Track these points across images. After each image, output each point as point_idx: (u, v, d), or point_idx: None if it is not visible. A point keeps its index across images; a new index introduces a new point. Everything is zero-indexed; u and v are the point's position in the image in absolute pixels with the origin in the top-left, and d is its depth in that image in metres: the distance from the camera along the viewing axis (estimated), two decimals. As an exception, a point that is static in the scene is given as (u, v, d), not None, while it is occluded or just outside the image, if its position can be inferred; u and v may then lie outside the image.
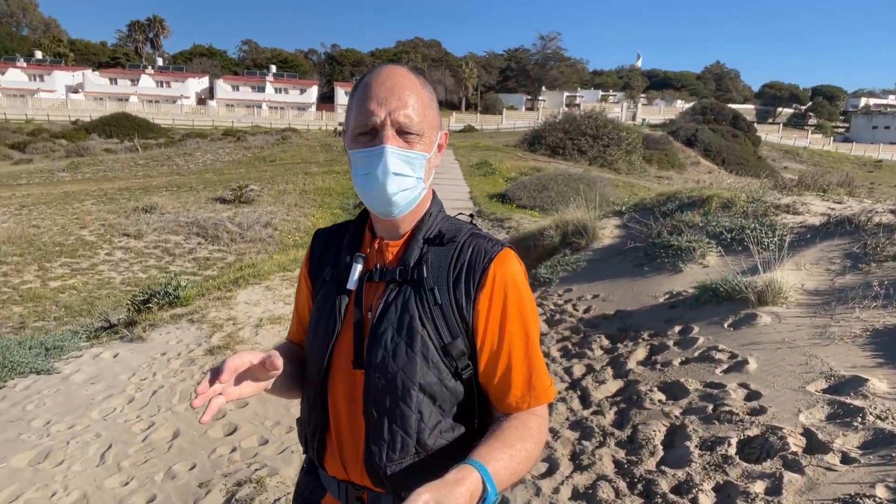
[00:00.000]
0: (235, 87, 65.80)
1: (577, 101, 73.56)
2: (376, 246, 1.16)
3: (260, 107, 61.50)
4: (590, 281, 6.48)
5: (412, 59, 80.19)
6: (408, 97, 1.06)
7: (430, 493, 0.82)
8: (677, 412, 3.31)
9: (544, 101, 77.55)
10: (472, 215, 1.29)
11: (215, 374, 0.97)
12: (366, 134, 1.06)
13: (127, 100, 59.31)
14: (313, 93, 67.83)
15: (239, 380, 1.02)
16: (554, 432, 3.44)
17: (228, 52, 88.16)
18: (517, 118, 60.21)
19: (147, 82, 64.10)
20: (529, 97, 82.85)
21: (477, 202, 13.47)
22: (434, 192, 1.22)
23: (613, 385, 3.95)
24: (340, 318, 1.14)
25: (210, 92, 65.73)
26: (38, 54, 67.28)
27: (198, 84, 65.81)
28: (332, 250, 1.24)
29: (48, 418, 3.50)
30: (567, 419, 3.62)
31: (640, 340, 4.55)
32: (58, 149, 32.84)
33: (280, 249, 11.77)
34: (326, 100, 70.22)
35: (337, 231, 1.29)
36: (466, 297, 1.09)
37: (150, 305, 5.57)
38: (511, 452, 1.01)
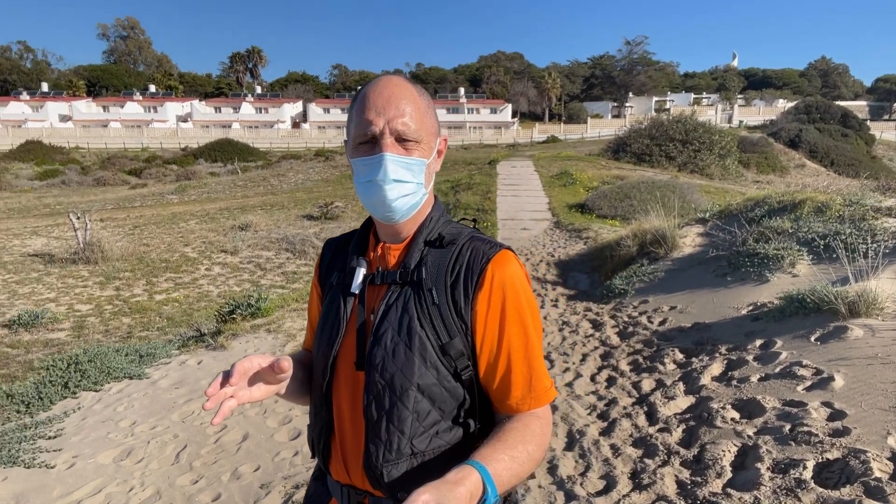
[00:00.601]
0: (326, 110, 68.95)
1: (668, 105, 70.84)
2: (379, 250, 1.18)
3: (348, 127, 63.99)
4: (667, 292, 6.20)
5: (494, 72, 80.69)
6: (405, 106, 1.08)
7: (430, 494, 0.82)
8: (750, 431, 3.09)
9: (631, 107, 75.39)
10: (474, 220, 1.30)
11: (226, 377, 1.00)
12: (366, 143, 1.09)
13: (230, 126, 63.65)
14: (399, 111, 69.58)
15: (251, 383, 1.05)
16: (615, 449, 3.31)
17: (320, 78, 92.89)
18: (602, 126, 58.85)
19: (247, 109, 68.60)
20: (616, 104, 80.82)
21: (555, 213, 13.24)
22: (436, 196, 1.23)
23: (684, 401, 3.74)
24: (345, 321, 1.16)
25: (304, 115, 69.36)
26: (152, 88, 74.13)
27: (292, 109, 69.66)
28: (340, 257, 1.28)
29: (134, 419, 3.81)
30: (631, 435, 3.47)
31: (717, 355, 4.29)
32: (169, 174, 35.77)
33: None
34: (412, 117, 71.81)
35: (345, 239, 1.32)
36: (465, 298, 1.09)
37: (235, 316, 5.93)
38: (513, 454, 1.00)
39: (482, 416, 1.16)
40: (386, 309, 1.11)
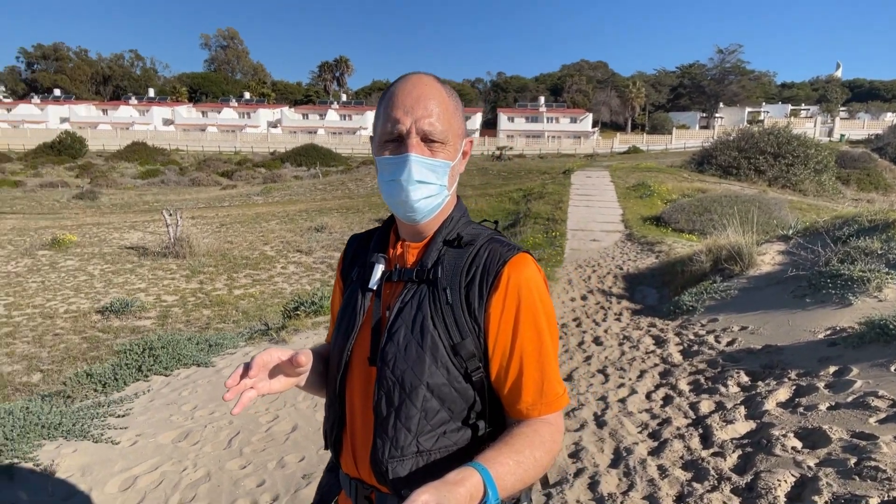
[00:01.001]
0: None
1: (762, 116, 67.19)
2: (399, 248, 1.19)
3: (427, 134, 65.10)
4: (739, 311, 5.88)
5: (576, 81, 79.52)
6: (433, 106, 1.09)
7: (430, 494, 0.83)
8: (811, 462, 2.88)
9: (722, 118, 72.14)
10: (496, 222, 1.28)
11: (246, 369, 1.04)
12: (392, 141, 1.10)
13: (315, 132, 66.37)
14: (477, 119, 70.24)
15: (272, 375, 1.09)
16: (662, 470, 3.17)
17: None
18: (688, 137, 56.67)
19: (332, 116, 71.26)
20: (704, 115, 77.66)
21: (628, 225, 12.85)
22: (458, 197, 1.23)
23: (743, 426, 3.54)
24: (361, 316, 1.17)
25: (385, 122, 71.18)
26: (247, 95, 78.54)
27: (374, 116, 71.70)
28: (362, 253, 1.29)
29: (196, 404, 4.04)
30: (681, 458, 3.31)
31: (786, 379, 4.02)
32: (257, 176, 37.64)
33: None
34: (490, 125, 72.24)
35: (368, 235, 1.34)
36: (479, 299, 1.09)
37: (299, 313, 6.16)
38: (518, 458, 0.99)
39: (493, 419, 1.14)
40: (401, 306, 1.12)
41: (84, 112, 71.67)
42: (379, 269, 1.18)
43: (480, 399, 1.12)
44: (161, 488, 2.99)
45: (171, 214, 13.34)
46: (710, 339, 5.36)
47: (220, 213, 20.74)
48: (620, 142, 57.78)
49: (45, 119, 68.79)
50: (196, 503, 2.88)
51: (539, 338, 1.09)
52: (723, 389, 4.14)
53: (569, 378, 4.81)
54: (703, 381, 4.43)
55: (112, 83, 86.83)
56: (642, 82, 78.15)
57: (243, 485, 3.05)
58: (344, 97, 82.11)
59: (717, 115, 74.42)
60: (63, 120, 68.72)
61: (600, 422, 3.90)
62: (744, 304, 6.02)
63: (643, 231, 11.97)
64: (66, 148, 47.01)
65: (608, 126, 75.44)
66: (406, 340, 1.09)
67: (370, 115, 70.81)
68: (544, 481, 1.32)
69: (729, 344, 5.12)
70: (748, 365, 4.53)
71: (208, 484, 3.04)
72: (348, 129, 68.84)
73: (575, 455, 3.47)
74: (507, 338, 1.09)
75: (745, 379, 4.26)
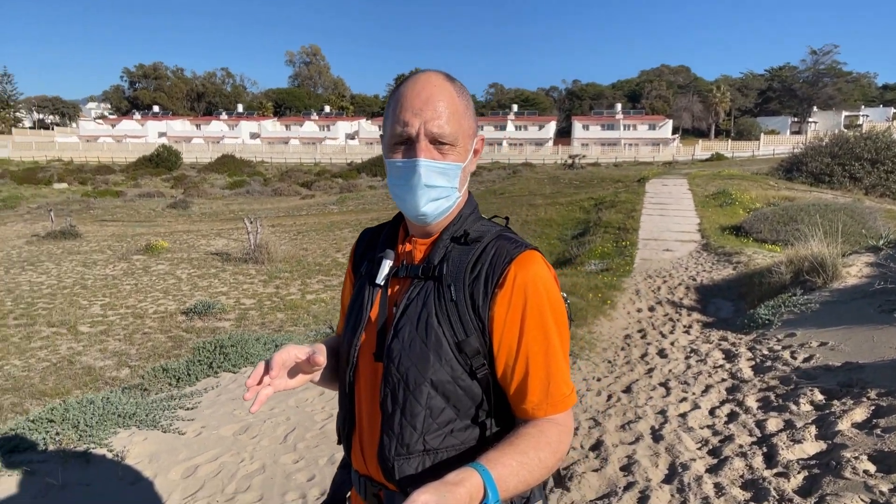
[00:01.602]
0: (480, 127, 70.56)
1: (860, 120, 62.56)
2: (407, 245, 1.19)
3: (500, 144, 65.08)
4: (819, 326, 5.50)
5: (656, 87, 77.18)
6: (442, 108, 1.07)
7: (430, 494, 0.83)
8: (885, 487, 2.66)
9: (815, 123, 67.79)
10: (507, 219, 1.26)
11: (266, 368, 1.07)
12: (401, 144, 1.09)
13: (390, 143, 67.85)
14: (551, 128, 69.51)
15: (291, 373, 1.12)
16: (719, 488, 3.03)
17: (477, 96, 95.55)
18: (777, 144, 53.55)
19: (406, 127, 72.78)
20: (796, 119, 73.19)
21: (705, 234, 12.28)
22: (470, 193, 1.22)
23: (812, 446, 3.31)
24: (367, 312, 1.18)
25: (459, 132, 71.85)
26: (327, 108, 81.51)
27: (448, 126, 72.66)
28: (372, 247, 1.29)
29: (258, 400, 4.24)
30: (741, 476, 3.14)
31: (864, 399, 3.73)
32: (334, 186, 38.93)
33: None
34: (564, 134, 71.31)
35: (379, 229, 1.33)
36: (484, 297, 1.07)
37: (362, 317, 6.33)
38: (522, 459, 0.98)
39: (502, 418, 1.13)
40: (407, 303, 1.12)
41: (179, 127, 76.96)
42: (386, 265, 1.18)
43: (487, 397, 1.11)
44: (219, 477, 3.16)
45: (251, 222, 14.04)
46: (786, 354, 5.05)
47: (297, 221, 21.62)
48: (703, 149, 55.42)
49: (144, 134, 74.35)
50: (250, 493, 3.03)
51: (546, 337, 1.07)
52: (793, 408, 3.89)
53: (627, 390, 4.68)
54: (773, 398, 4.19)
55: (205, 99, 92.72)
56: (727, 86, 74.63)
57: (294, 478, 3.17)
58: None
59: (810, 119, 70.01)
60: (161, 134, 74.01)
61: (657, 436, 3.76)
62: (825, 319, 5.64)
63: (721, 241, 11.42)
64: (162, 160, 50.53)
65: (690, 133, 72.61)
66: (411, 337, 1.09)
67: (444, 126, 71.72)
68: (557, 480, 1.29)
69: (806, 360, 4.81)
70: (824, 383, 4.24)
71: (262, 476, 3.19)
72: (422, 140, 69.99)
73: (627, 468, 3.37)
74: (512, 337, 1.07)
75: (819, 397, 3.99)
